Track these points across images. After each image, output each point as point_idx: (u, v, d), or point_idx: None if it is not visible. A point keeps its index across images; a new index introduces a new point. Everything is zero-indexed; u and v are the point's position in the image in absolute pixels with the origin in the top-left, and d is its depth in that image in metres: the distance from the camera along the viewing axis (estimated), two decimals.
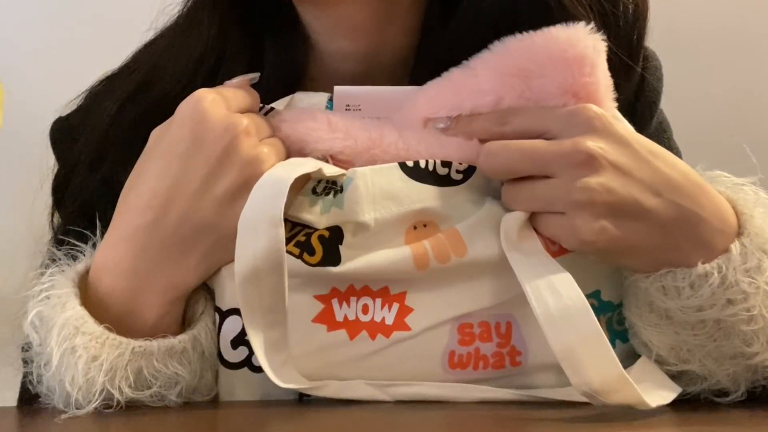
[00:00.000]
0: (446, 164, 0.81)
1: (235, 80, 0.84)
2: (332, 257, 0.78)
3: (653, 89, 0.95)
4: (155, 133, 0.81)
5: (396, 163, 0.80)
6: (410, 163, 0.81)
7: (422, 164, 0.81)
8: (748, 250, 0.78)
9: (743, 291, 0.77)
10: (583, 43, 0.80)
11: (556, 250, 0.79)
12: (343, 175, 0.79)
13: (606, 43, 0.81)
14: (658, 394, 0.76)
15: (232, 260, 0.76)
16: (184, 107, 0.80)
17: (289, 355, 0.77)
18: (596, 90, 0.80)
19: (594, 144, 0.76)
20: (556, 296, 0.75)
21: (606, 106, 0.80)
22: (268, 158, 0.79)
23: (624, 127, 0.79)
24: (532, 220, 0.79)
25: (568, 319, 0.74)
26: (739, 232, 0.79)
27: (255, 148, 0.78)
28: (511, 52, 0.81)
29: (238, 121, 0.79)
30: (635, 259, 0.78)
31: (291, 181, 0.75)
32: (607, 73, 0.81)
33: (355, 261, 0.78)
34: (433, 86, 0.84)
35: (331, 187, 0.79)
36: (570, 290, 0.75)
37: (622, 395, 0.72)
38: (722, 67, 1.44)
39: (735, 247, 0.78)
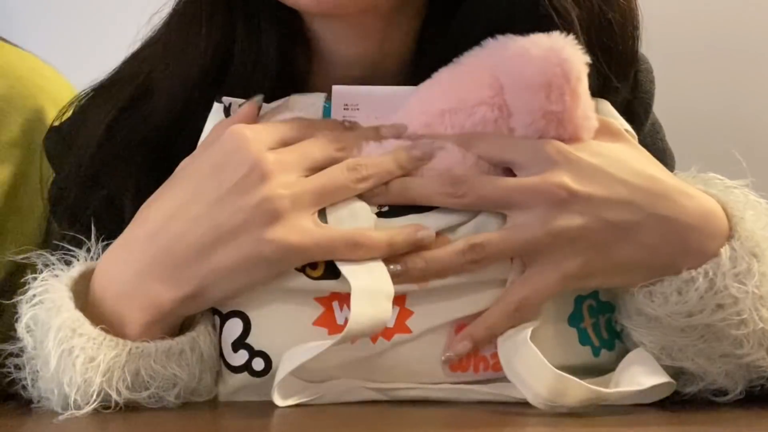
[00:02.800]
0: None
1: (245, 106, 0.83)
2: (334, 270, 0.78)
3: (647, 91, 0.96)
4: (186, 159, 0.81)
5: (374, 215, 0.80)
6: (385, 209, 0.80)
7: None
8: (738, 254, 0.78)
9: (732, 296, 0.78)
10: (552, 70, 0.78)
11: None
12: None
13: (589, 59, 0.80)
14: (636, 382, 0.77)
15: (215, 302, 0.78)
16: (223, 137, 0.79)
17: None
18: (566, 117, 0.79)
19: (560, 176, 0.77)
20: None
21: (581, 129, 0.80)
22: (284, 203, 0.76)
23: (590, 149, 0.79)
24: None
25: (508, 337, 0.77)
26: (730, 235, 0.80)
27: (273, 190, 0.76)
28: (492, 58, 0.82)
29: (264, 159, 0.77)
30: (627, 277, 0.80)
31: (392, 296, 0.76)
32: (586, 92, 0.80)
33: (354, 277, 0.77)
34: (424, 88, 0.84)
35: None
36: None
37: (575, 393, 0.74)
38: (715, 70, 1.45)
39: (725, 251, 0.78)
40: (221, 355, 0.80)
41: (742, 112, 1.44)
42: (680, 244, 0.78)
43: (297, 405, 0.78)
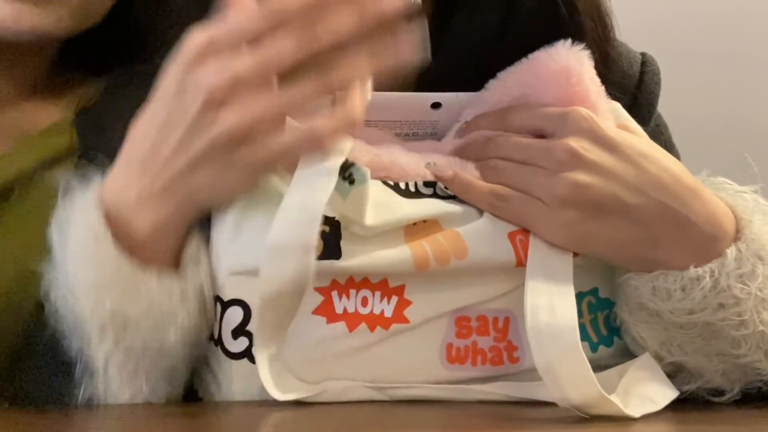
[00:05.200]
0: (429, 185, 0.82)
1: None
2: (333, 252, 0.78)
3: (651, 92, 0.97)
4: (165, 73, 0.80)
5: (378, 181, 0.81)
6: (391, 182, 0.82)
7: (402, 185, 0.82)
8: (743, 256, 0.79)
9: (735, 296, 0.78)
10: (564, 56, 0.83)
11: None
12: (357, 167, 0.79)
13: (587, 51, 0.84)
14: (651, 400, 0.77)
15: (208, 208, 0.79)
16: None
17: (285, 364, 0.78)
18: (586, 96, 0.83)
19: (577, 143, 0.79)
20: (551, 314, 0.76)
21: (600, 109, 0.83)
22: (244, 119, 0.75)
23: (614, 129, 0.81)
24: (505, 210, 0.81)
25: (553, 334, 0.75)
26: (737, 237, 0.80)
27: (230, 118, 0.75)
28: (507, 86, 0.85)
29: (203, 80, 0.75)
30: (616, 253, 0.80)
31: (323, 206, 0.75)
32: (596, 79, 0.84)
33: (356, 258, 0.78)
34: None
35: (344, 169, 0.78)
36: (566, 310, 0.76)
37: (604, 410, 0.73)
38: (727, 74, 1.45)
39: (730, 251, 0.79)
40: (221, 344, 0.81)
41: (754, 117, 1.43)
42: (677, 236, 0.79)
43: (297, 405, 0.78)
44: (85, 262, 0.78)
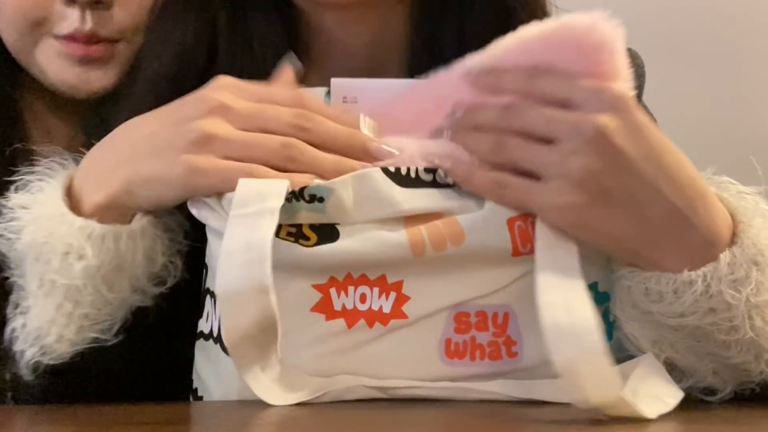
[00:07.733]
0: (430, 171, 0.81)
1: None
2: (329, 236, 0.78)
3: (638, 86, 0.96)
4: None
5: (378, 168, 0.80)
6: (392, 168, 0.80)
7: (403, 171, 0.81)
8: (737, 261, 0.78)
9: (726, 302, 0.78)
10: (600, 30, 0.79)
11: None
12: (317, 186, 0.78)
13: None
14: (661, 400, 0.76)
15: (137, 206, 0.81)
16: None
17: (279, 370, 0.77)
18: (616, 76, 0.79)
19: (610, 122, 0.76)
20: (568, 313, 0.74)
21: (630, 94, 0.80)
22: (211, 142, 0.78)
23: (646, 118, 0.79)
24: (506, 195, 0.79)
25: (573, 335, 0.73)
26: (734, 241, 0.79)
27: (209, 128, 0.78)
28: (530, 49, 0.80)
29: (219, 104, 0.79)
30: (612, 245, 0.79)
31: (270, 243, 0.73)
32: (626, 60, 0.80)
33: (353, 237, 0.78)
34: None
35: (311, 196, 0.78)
36: (583, 309, 0.75)
37: (621, 411, 0.72)
38: (727, 73, 1.45)
39: (724, 257, 0.78)
40: (220, 341, 0.80)
41: (758, 118, 1.43)
42: (676, 239, 0.78)
43: (297, 405, 0.78)
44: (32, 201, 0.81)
